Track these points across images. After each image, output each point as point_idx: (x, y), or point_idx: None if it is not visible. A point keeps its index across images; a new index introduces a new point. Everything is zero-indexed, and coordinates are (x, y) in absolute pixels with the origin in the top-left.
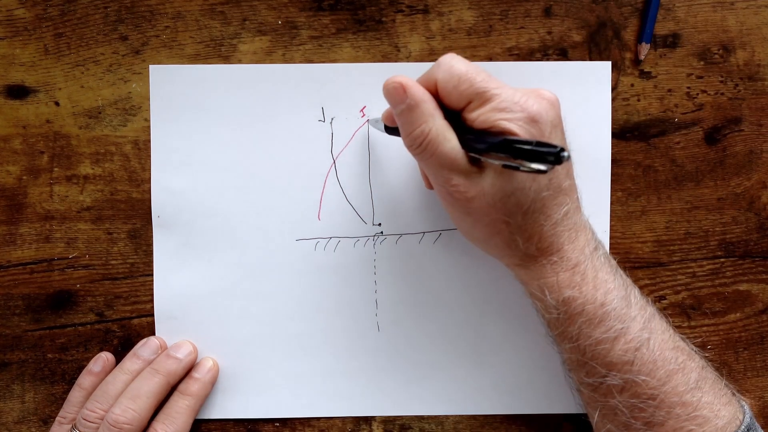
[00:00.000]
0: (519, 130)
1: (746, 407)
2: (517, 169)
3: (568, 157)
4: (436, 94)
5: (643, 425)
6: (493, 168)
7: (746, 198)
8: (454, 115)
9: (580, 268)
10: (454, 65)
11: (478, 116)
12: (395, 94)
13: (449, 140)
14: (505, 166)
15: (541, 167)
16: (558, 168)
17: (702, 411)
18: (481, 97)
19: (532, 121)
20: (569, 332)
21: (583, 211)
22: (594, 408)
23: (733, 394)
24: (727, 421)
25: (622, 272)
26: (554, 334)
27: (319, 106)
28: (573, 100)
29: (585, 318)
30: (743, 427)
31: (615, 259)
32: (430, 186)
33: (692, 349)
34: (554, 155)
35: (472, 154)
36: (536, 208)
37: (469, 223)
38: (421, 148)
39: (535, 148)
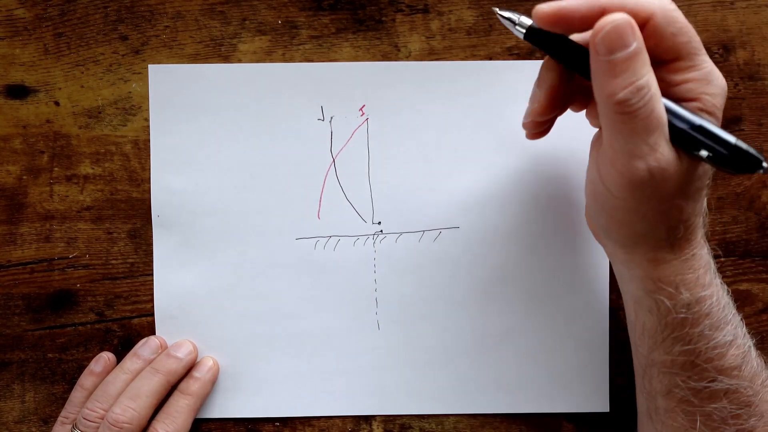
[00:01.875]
0: (716, 109)
1: None
2: (702, 158)
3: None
4: (593, 23)
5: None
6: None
7: (746, 198)
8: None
9: (710, 267)
10: (675, 10)
11: (685, 81)
12: (624, 33)
13: (661, 101)
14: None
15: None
16: None
17: None
18: (692, 59)
19: (724, 97)
20: (690, 334)
21: None
22: (687, 413)
23: None
24: None
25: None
26: (667, 336)
27: (318, 105)
28: None
29: (711, 320)
30: None
31: None
32: (594, 119)
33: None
34: (754, 163)
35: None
36: (702, 196)
37: (640, 213)
38: (643, 102)
39: (737, 143)
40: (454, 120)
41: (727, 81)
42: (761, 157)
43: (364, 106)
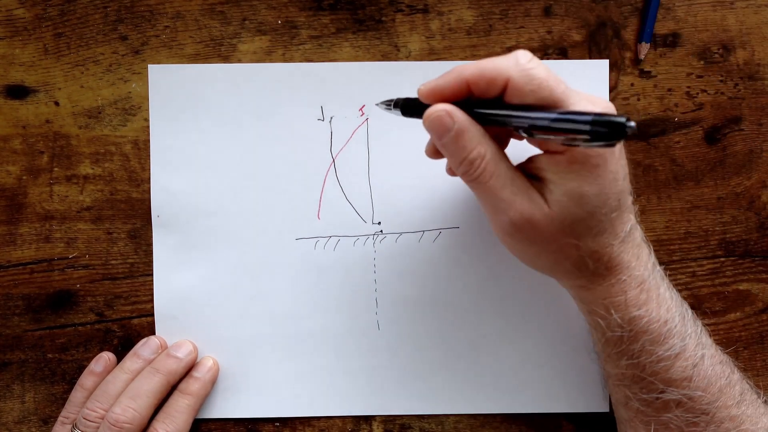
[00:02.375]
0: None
1: None
2: (577, 145)
3: (635, 127)
4: (468, 92)
5: None
6: (560, 191)
7: (746, 197)
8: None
9: (645, 286)
10: (532, 68)
11: (527, 93)
12: (441, 122)
13: (504, 159)
14: (565, 143)
15: (607, 141)
16: (626, 187)
17: (745, 424)
18: (556, 104)
19: (590, 100)
20: (631, 350)
21: (640, 228)
22: (644, 423)
23: (765, 401)
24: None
25: (672, 286)
26: (612, 351)
27: (318, 105)
28: None
29: (649, 336)
30: None
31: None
32: (495, 218)
33: (731, 362)
34: (618, 126)
35: (524, 135)
36: (605, 229)
37: (534, 252)
38: (479, 171)
39: (597, 118)
40: None
41: (727, 81)
42: (623, 119)
43: (364, 106)
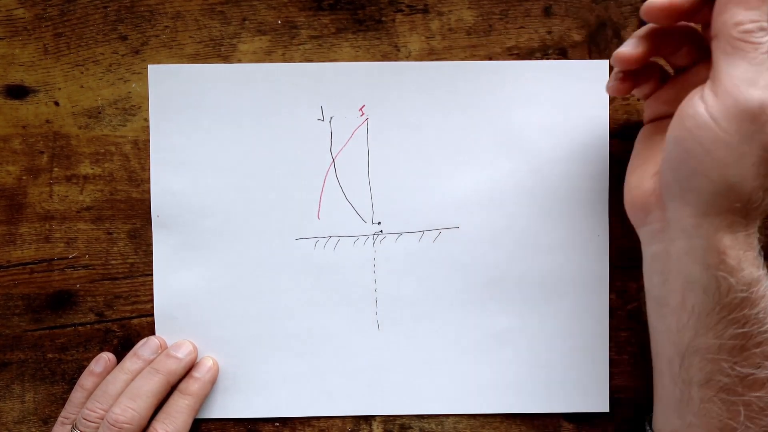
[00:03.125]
0: None
1: None
2: None
3: None
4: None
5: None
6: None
7: None
8: None
9: (761, 249)
10: None
11: None
12: None
13: None
14: None
15: None
16: None
17: None
18: None
19: None
20: (747, 316)
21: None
22: (724, 401)
23: None
24: None
25: None
26: (721, 318)
27: (318, 105)
28: (570, 99)
29: (766, 303)
30: None
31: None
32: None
33: None
34: None
35: None
36: None
37: (737, 154)
38: (766, 39)
39: None
40: (454, 120)
41: None
42: None
43: (363, 106)
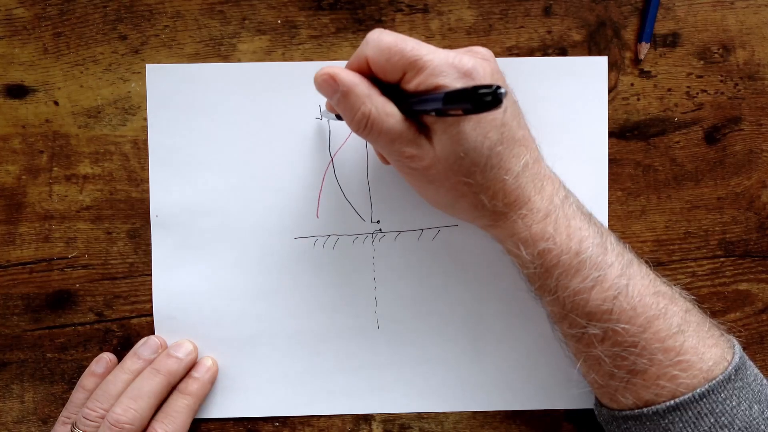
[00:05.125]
0: (458, 85)
1: (737, 348)
2: (468, 113)
3: (506, 93)
4: (370, 73)
5: (627, 373)
6: (442, 132)
7: (746, 197)
8: (393, 87)
9: (551, 218)
10: (381, 39)
11: (417, 86)
12: (326, 85)
13: (392, 115)
14: (462, 113)
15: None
16: (508, 119)
17: (685, 355)
18: (415, 66)
19: (468, 76)
20: (548, 285)
21: (546, 162)
22: (579, 358)
23: (722, 335)
24: (714, 363)
25: (596, 220)
26: (534, 288)
27: (316, 104)
28: (569, 96)
29: (561, 269)
30: (731, 368)
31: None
32: (385, 162)
33: (676, 293)
34: (491, 94)
35: (421, 116)
36: (493, 164)
37: (433, 191)
38: (367, 129)
39: (474, 92)
40: None
41: (727, 81)
42: (497, 84)
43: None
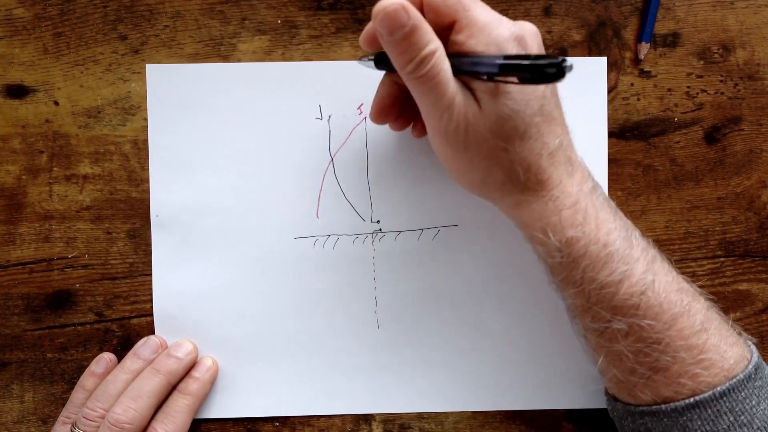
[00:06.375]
0: (513, 49)
1: (753, 347)
2: (525, 82)
3: (571, 66)
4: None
5: (648, 370)
6: (485, 92)
7: (746, 197)
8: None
9: (581, 206)
10: None
11: (467, 39)
12: (395, 17)
13: (448, 61)
14: (518, 81)
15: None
16: (548, 94)
17: (708, 354)
18: (467, 17)
19: (520, 40)
20: (573, 276)
21: (578, 152)
22: (599, 353)
23: (740, 334)
24: (735, 362)
25: (621, 214)
26: (557, 279)
27: (316, 104)
28: (569, 96)
29: (589, 260)
30: (751, 367)
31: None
32: (421, 132)
33: (696, 291)
34: (556, 65)
35: (468, 78)
36: (531, 134)
37: (466, 161)
38: (429, 67)
39: (534, 62)
40: None
41: (727, 81)
42: (558, 60)
43: (362, 104)
